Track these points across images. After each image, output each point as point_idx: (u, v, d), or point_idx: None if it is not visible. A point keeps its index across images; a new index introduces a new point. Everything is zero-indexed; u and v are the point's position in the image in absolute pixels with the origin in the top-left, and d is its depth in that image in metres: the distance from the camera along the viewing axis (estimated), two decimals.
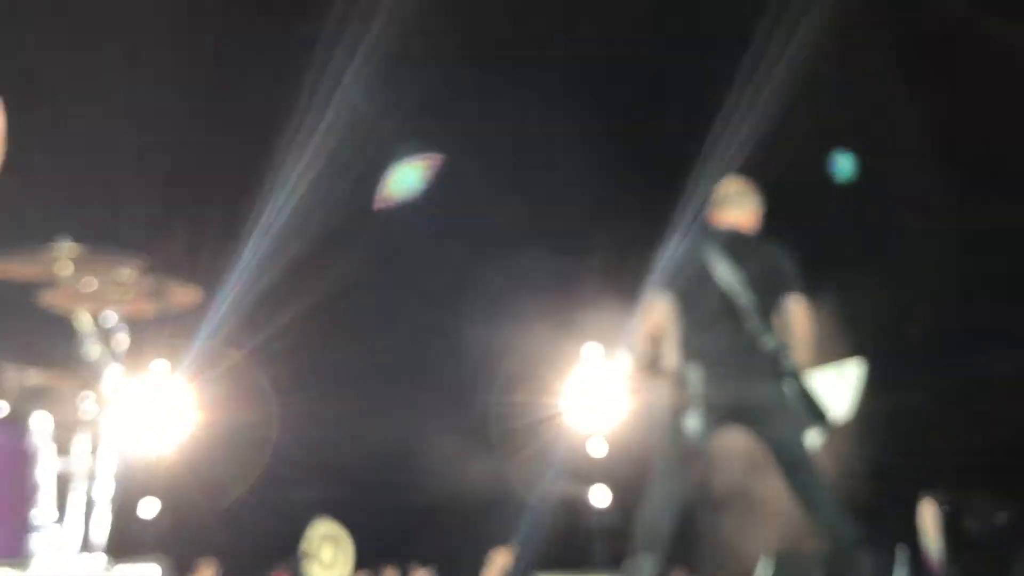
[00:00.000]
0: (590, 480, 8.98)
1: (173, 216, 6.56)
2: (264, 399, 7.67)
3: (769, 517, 5.31)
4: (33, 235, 4.05)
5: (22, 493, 3.73)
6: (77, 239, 4.08)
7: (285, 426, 7.80)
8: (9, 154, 3.50)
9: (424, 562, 7.54)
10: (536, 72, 7.50)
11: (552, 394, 8.65)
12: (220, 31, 7.16)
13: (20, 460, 3.75)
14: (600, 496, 8.97)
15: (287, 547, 7.03)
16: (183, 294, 4.33)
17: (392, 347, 7.76)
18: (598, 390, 8.51)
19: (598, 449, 8.86)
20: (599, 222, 7.70)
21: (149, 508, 6.89)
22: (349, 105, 7.11)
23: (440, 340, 7.56)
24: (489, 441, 8.29)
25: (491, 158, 7.56)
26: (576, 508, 9.01)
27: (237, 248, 7.00)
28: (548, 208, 7.91)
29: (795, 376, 4.56)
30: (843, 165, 8.34)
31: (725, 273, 4.65)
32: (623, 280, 7.36)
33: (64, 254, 4.06)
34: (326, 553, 6.94)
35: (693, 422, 4.50)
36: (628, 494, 8.23)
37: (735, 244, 4.78)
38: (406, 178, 7.64)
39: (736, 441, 4.97)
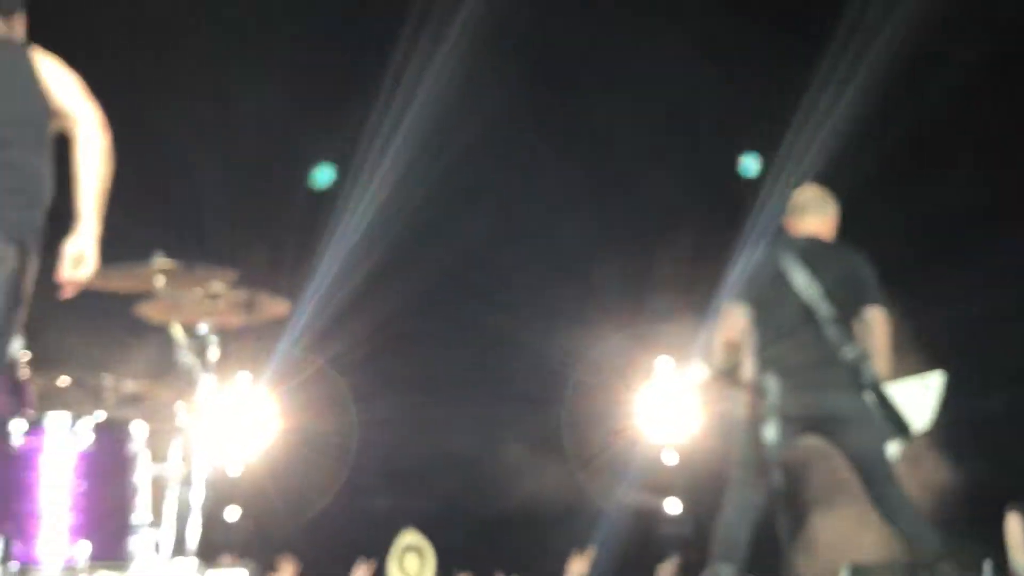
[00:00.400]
0: (663, 490, 8.99)
1: (257, 230, 6.78)
2: (344, 408, 7.84)
3: (849, 528, 5.27)
4: (131, 251, 4.24)
5: (122, 498, 3.88)
6: (171, 255, 4.29)
7: (364, 434, 7.96)
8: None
9: (502, 571, 7.61)
10: (610, 86, 7.56)
11: (626, 404, 8.68)
12: (297, 50, 7.36)
13: (120, 466, 3.90)
14: (673, 506, 8.97)
15: (368, 554, 7.17)
16: (272, 306, 4.49)
17: (468, 356, 7.85)
18: (671, 401, 8.52)
19: (671, 459, 8.86)
20: (672, 232, 7.72)
21: (233, 515, 7.10)
22: (424, 117, 7.26)
23: (515, 350, 7.64)
24: (564, 451, 8.34)
25: (565, 169, 7.64)
26: (650, 518, 9.02)
27: (316, 260, 7.20)
28: (622, 218, 7.96)
29: (876, 386, 4.53)
30: (749, 164, 8.29)
31: (803, 282, 4.64)
32: (696, 291, 7.37)
33: (160, 269, 4.26)
34: (411, 564, 7.08)
35: (771, 432, 4.48)
36: (701, 504, 8.22)
37: (813, 252, 4.76)
38: None
39: (815, 451, 4.96)
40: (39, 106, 3.43)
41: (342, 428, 7.88)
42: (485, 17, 6.89)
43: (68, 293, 3.46)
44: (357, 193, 7.38)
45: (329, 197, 7.45)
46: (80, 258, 3.38)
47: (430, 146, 7.32)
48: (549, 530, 8.00)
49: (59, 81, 3.49)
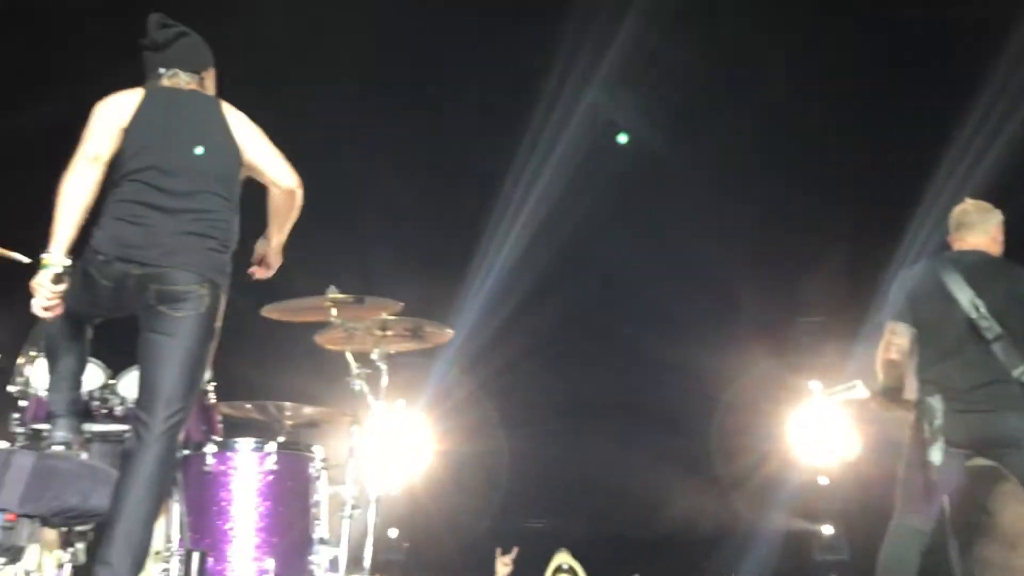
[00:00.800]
0: (817, 514, 8.79)
1: (417, 261, 7.05)
2: (496, 431, 8.00)
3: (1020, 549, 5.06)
4: (307, 284, 4.52)
5: (303, 517, 4.13)
6: (343, 288, 4.56)
7: (517, 457, 8.08)
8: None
9: None
10: (759, 100, 7.50)
11: (778, 427, 8.54)
12: (452, 78, 7.57)
13: (301, 487, 4.15)
14: (828, 530, 8.76)
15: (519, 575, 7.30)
16: (437, 333, 4.70)
17: (619, 380, 7.89)
18: (825, 424, 8.34)
19: (825, 483, 8.66)
20: (824, 252, 7.58)
21: (393, 535, 7.36)
22: (576, 145, 7.39)
23: (666, 373, 7.63)
24: (715, 474, 8.26)
25: (711, 186, 7.62)
26: (803, 542, 8.82)
27: (469, 287, 7.41)
28: (772, 238, 7.87)
29: None
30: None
31: (967, 300, 4.52)
32: (848, 312, 7.21)
33: (333, 300, 4.53)
34: None
35: (936, 455, 4.38)
36: (856, 529, 8.00)
37: (977, 269, 4.63)
38: None
39: (984, 474, 4.80)
40: (229, 157, 3.72)
41: (494, 451, 8.05)
42: (638, 48, 7.00)
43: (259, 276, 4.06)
44: (508, 220, 7.56)
45: (482, 224, 7.64)
46: (265, 258, 4.01)
47: (581, 172, 7.45)
48: (700, 554, 7.94)
49: (249, 135, 3.79)
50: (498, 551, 7.09)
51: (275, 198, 3.85)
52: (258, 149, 3.78)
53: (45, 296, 3.37)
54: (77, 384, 3.80)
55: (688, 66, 7.16)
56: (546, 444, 7.89)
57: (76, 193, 3.44)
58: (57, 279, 3.37)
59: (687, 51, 7.00)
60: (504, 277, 7.54)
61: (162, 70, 3.80)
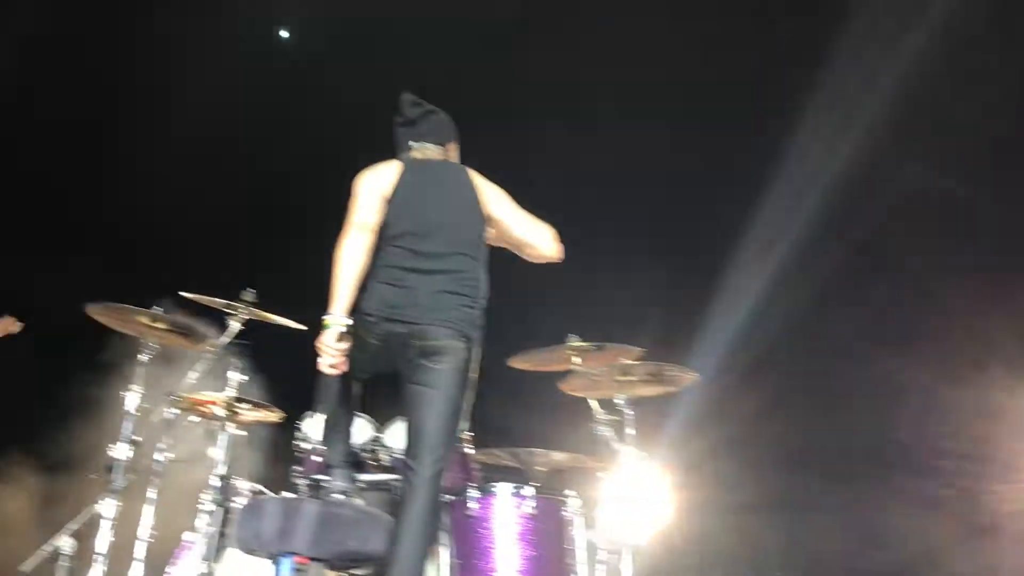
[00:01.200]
0: None
1: (652, 304, 7.09)
2: (739, 483, 7.78)
3: None
4: (547, 334, 4.71)
5: (562, 560, 4.24)
6: (584, 336, 4.71)
7: (762, 512, 7.80)
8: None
9: None
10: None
11: None
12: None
13: (558, 530, 4.28)
14: None
15: None
16: (680, 376, 4.74)
17: (874, 429, 7.44)
18: None
19: None
20: None
21: None
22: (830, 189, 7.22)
23: (935, 415, 7.14)
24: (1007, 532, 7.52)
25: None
26: None
27: (704, 335, 7.35)
28: None
29: None
30: None
31: None
32: None
33: (574, 348, 4.70)
34: None
35: None
36: None
37: None
38: None
39: None
40: (477, 220, 4.02)
41: (739, 504, 7.82)
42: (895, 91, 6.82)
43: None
44: (751, 265, 7.44)
45: (720, 272, 7.56)
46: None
47: (835, 216, 7.22)
48: None
49: (495, 199, 4.09)
50: None
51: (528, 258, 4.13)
52: (509, 217, 4.08)
53: (330, 355, 3.71)
54: (349, 436, 4.12)
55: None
56: (795, 502, 7.56)
57: (351, 258, 3.78)
58: (340, 338, 3.70)
59: None
60: (747, 321, 7.38)
61: (412, 143, 4.17)
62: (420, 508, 3.57)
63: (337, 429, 4.08)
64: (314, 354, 3.81)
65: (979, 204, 7.12)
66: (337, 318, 3.71)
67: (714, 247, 7.48)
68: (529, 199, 4.18)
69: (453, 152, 4.29)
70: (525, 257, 4.16)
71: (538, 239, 4.08)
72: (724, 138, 7.54)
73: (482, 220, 4.02)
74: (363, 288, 3.86)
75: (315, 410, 4.33)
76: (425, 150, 4.16)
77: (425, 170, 4.09)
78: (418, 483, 3.60)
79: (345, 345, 3.72)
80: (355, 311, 3.80)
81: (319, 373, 3.89)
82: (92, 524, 4.62)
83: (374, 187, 3.96)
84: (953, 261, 7.03)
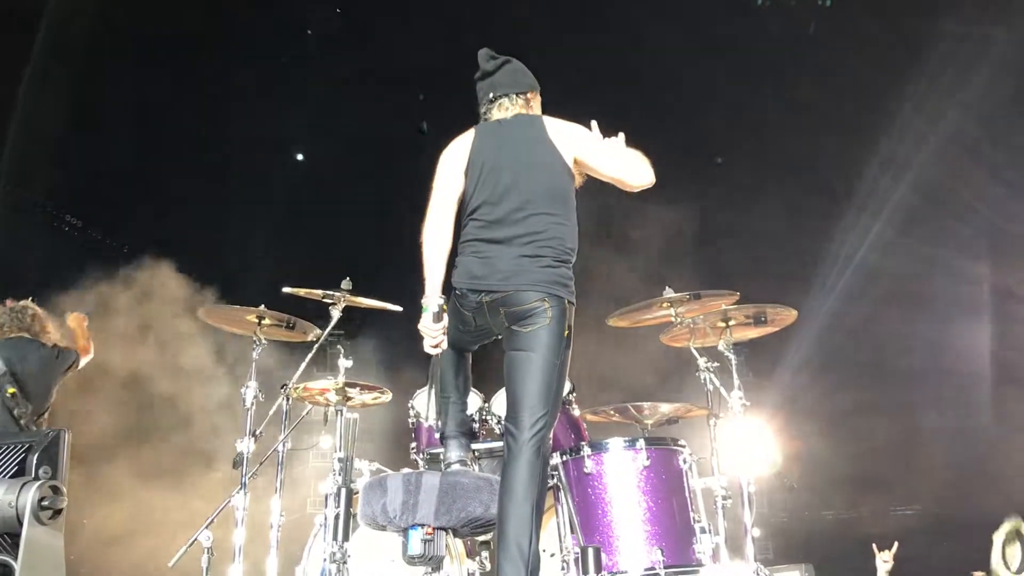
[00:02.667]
0: None
1: (765, 249, 6.97)
2: (851, 420, 7.66)
3: None
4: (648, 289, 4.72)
5: (682, 508, 4.26)
6: (677, 287, 4.72)
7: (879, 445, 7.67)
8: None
9: None
10: None
11: None
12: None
13: (674, 479, 4.29)
14: None
15: None
16: (781, 315, 4.71)
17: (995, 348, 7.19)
18: None
19: None
20: None
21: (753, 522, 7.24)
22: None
23: None
24: None
25: None
26: None
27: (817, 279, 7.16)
28: None
29: None
30: None
31: None
32: None
33: (669, 300, 4.71)
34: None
35: None
36: None
37: None
38: None
39: None
40: (556, 171, 3.93)
41: (837, 447, 7.70)
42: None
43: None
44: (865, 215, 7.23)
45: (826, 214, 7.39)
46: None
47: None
48: None
49: (577, 143, 3.98)
50: (874, 546, 6.76)
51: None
52: (592, 157, 3.97)
53: (430, 335, 3.80)
54: (464, 407, 4.20)
55: None
56: (909, 428, 7.43)
57: (434, 238, 3.86)
58: (437, 318, 3.79)
59: None
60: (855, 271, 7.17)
61: (491, 95, 4.11)
62: (523, 471, 3.60)
63: (451, 400, 4.14)
64: (418, 335, 3.90)
65: None
66: (431, 299, 3.78)
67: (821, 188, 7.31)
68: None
69: (534, 100, 4.18)
70: (623, 188, 4.04)
71: (628, 173, 3.97)
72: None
73: (561, 171, 3.94)
74: (454, 264, 3.94)
75: (428, 387, 4.41)
76: (502, 104, 4.09)
77: (497, 132, 4.04)
78: (517, 448, 3.64)
79: (444, 324, 3.79)
80: (449, 288, 3.88)
81: (441, 357, 3.96)
82: (227, 516, 4.84)
83: (452, 163, 3.99)
84: None
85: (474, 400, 4.95)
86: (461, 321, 3.93)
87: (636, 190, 4.02)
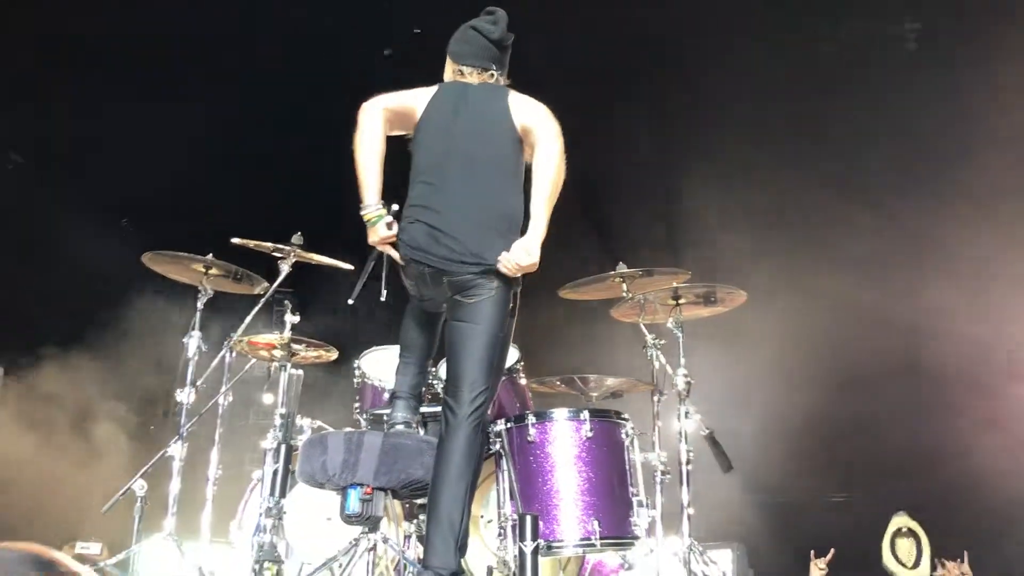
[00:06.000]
0: None
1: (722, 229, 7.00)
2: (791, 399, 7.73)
3: None
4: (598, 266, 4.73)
5: (621, 481, 4.30)
6: (631, 263, 4.74)
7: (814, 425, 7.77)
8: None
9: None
10: None
11: None
12: None
13: (615, 452, 4.33)
14: None
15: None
16: (731, 296, 4.76)
17: (926, 335, 7.32)
18: None
19: None
20: None
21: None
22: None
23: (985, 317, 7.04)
24: None
25: None
26: None
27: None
28: None
29: None
30: None
31: None
32: None
33: (621, 276, 4.72)
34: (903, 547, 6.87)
35: None
36: None
37: None
38: None
39: None
40: (508, 141, 3.82)
41: (790, 423, 7.81)
42: None
43: (511, 273, 3.71)
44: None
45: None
46: (526, 250, 3.66)
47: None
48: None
49: (528, 114, 3.85)
50: (812, 554, 6.88)
51: (535, 156, 3.81)
52: (527, 116, 3.82)
53: (382, 241, 3.80)
54: (422, 371, 4.14)
55: None
56: (847, 411, 7.55)
57: (365, 143, 3.77)
58: (388, 227, 3.77)
59: None
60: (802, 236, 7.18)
61: (473, 61, 4.00)
62: (460, 447, 3.57)
63: (410, 361, 4.10)
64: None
65: None
66: (372, 210, 3.76)
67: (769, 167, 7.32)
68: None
69: (502, 81, 4.07)
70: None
71: (549, 139, 3.76)
72: None
73: (513, 141, 3.82)
74: (399, 231, 3.80)
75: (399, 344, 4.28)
76: (475, 74, 3.98)
77: (459, 95, 3.93)
78: (456, 423, 3.60)
79: (394, 232, 3.78)
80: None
81: (406, 309, 3.91)
82: (163, 466, 4.77)
83: (408, 98, 3.92)
84: None
85: None
86: (412, 285, 3.88)
87: (543, 157, 3.82)
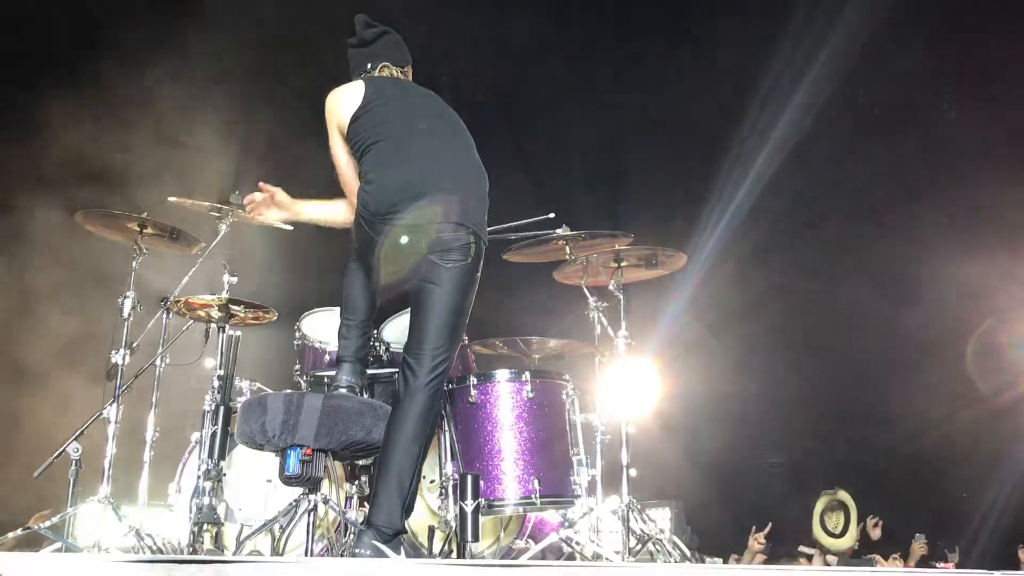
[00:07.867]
0: None
1: (651, 196, 7.04)
2: (731, 368, 7.86)
3: None
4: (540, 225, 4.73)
5: (562, 441, 4.34)
6: (573, 226, 4.74)
7: (753, 393, 7.91)
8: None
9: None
10: None
11: None
12: None
13: (556, 412, 4.37)
14: None
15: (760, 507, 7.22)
16: (671, 260, 4.79)
17: (858, 303, 7.50)
18: None
19: None
20: None
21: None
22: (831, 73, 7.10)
23: (907, 287, 7.25)
24: (970, 396, 7.73)
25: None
26: None
27: (704, 226, 7.25)
28: None
29: None
30: None
31: None
32: None
33: (564, 238, 4.73)
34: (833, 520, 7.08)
35: None
36: None
37: None
38: None
39: None
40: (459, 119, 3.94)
41: (731, 389, 7.92)
42: None
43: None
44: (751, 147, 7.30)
45: (720, 162, 7.47)
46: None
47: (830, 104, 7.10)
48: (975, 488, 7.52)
49: None
50: (752, 529, 7.01)
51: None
52: None
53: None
54: (366, 332, 4.08)
55: None
56: (786, 377, 7.70)
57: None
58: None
59: None
60: (741, 218, 7.28)
61: (369, 65, 3.99)
62: (417, 412, 3.55)
63: (353, 324, 4.03)
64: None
65: None
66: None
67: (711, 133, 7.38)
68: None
69: (410, 74, 4.10)
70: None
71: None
72: None
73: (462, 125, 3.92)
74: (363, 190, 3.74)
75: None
76: (384, 71, 3.97)
77: (393, 82, 3.96)
78: (416, 386, 3.57)
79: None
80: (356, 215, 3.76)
81: (345, 272, 3.92)
82: (98, 429, 4.68)
83: (343, 105, 3.84)
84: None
85: None
86: (369, 246, 3.79)
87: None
